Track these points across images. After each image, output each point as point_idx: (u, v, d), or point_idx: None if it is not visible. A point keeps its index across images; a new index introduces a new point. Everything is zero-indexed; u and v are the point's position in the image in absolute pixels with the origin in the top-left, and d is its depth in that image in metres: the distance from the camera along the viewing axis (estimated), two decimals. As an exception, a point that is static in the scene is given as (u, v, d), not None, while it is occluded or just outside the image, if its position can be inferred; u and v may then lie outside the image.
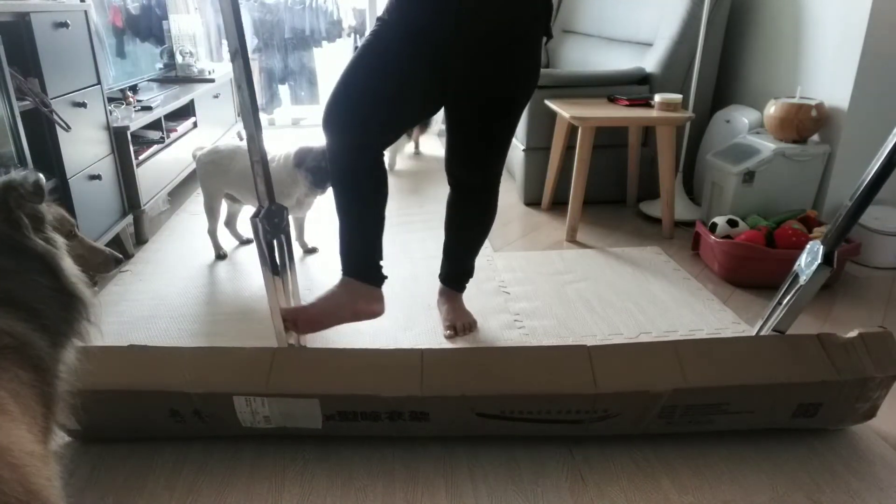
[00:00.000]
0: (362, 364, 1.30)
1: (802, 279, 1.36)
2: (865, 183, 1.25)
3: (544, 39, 1.51)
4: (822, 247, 1.34)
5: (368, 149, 1.50)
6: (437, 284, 1.92)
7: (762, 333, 1.45)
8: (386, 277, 1.63)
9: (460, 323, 1.83)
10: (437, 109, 1.60)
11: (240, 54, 1.21)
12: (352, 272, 1.58)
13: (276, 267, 1.40)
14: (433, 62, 1.45)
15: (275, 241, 1.40)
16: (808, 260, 1.37)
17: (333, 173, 1.55)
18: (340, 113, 1.47)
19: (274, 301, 1.42)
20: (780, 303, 1.43)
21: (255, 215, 1.36)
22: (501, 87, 1.48)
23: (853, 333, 1.31)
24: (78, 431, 1.35)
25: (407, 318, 1.91)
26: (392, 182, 3.37)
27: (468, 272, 1.86)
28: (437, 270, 1.90)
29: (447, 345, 1.77)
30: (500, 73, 1.46)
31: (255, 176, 1.34)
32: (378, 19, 1.51)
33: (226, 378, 1.26)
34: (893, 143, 1.20)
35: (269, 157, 2.15)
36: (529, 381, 1.26)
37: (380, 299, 1.62)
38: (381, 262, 1.61)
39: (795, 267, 1.41)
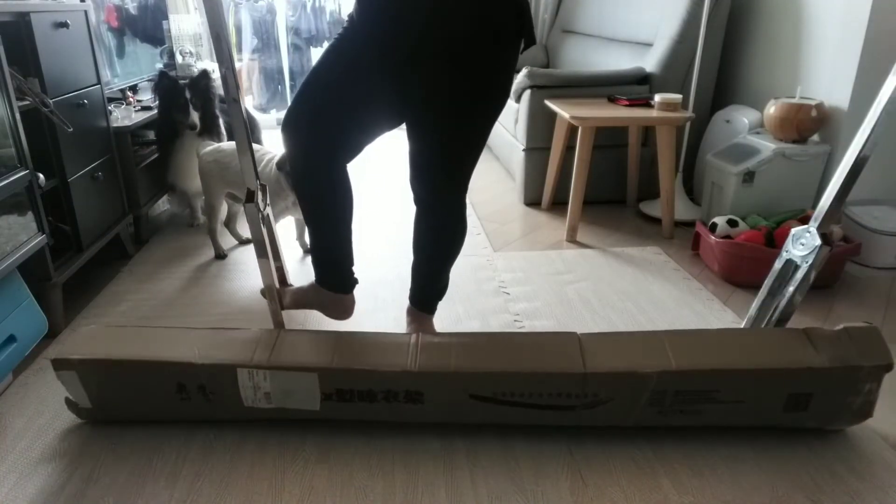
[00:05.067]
0: (360, 344, 1.38)
1: (802, 264, 1.38)
2: (855, 157, 1.29)
3: (522, 45, 1.39)
4: (815, 229, 1.37)
5: (326, 162, 1.44)
6: None
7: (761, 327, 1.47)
8: (356, 282, 1.65)
9: None
10: (399, 123, 1.50)
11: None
12: (320, 282, 1.62)
13: (276, 250, 1.54)
14: (396, 69, 1.35)
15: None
16: (803, 245, 1.38)
17: (293, 180, 1.51)
18: (301, 125, 1.41)
19: (270, 280, 1.54)
20: (770, 294, 1.44)
21: (249, 200, 1.44)
22: (467, 99, 1.37)
23: (838, 327, 1.34)
24: (88, 410, 1.39)
25: (407, 318, 1.91)
26: (391, 176, 3.37)
27: (436, 294, 1.74)
28: None
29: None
30: (466, 82, 1.35)
31: (242, 159, 1.43)
32: (348, 16, 1.42)
33: (231, 353, 1.33)
34: (880, 110, 1.23)
35: (265, 158, 2.16)
36: (520, 361, 1.32)
37: (347, 307, 1.66)
38: (352, 268, 1.63)
39: (785, 256, 1.42)
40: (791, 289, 1.40)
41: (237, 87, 1.36)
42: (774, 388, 1.30)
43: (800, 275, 1.39)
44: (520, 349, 1.35)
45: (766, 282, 1.47)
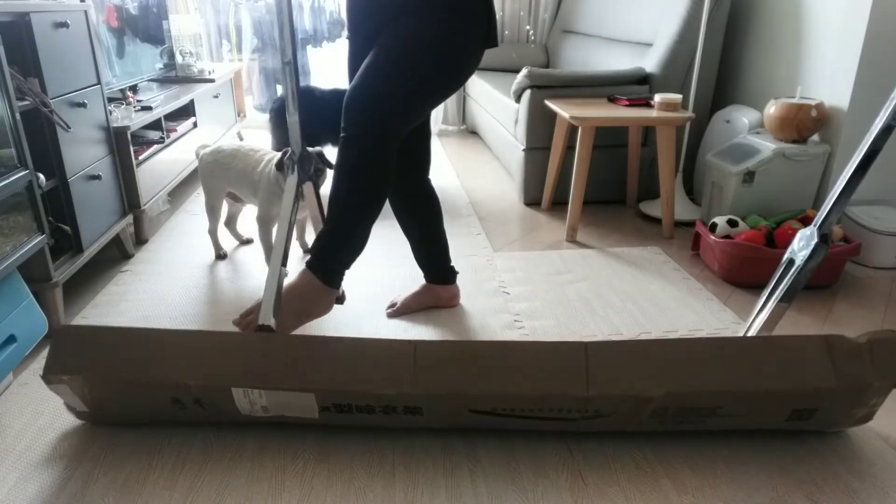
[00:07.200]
0: (357, 357, 1.30)
1: (799, 261, 1.39)
2: (859, 158, 1.30)
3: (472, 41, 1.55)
4: (816, 229, 1.38)
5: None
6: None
7: (752, 331, 1.46)
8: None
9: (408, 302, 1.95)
10: None
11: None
12: (328, 276, 1.57)
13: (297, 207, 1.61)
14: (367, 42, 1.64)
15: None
16: (803, 243, 1.40)
17: (363, 171, 1.51)
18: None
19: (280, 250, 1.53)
20: (772, 293, 1.45)
21: (289, 157, 1.53)
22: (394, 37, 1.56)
23: (863, 339, 1.27)
24: (87, 413, 1.38)
25: (408, 320, 1.91)
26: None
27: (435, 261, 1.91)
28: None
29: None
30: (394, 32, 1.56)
31: (290, 123, 1.55)
32: None
33: (224, 369, 1.28)
34: (887, 115, 1.23)
35: (265, 159, 2.16)
36: (523, 380, 1.25)
37: (332, 303, 1.61)
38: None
39: (788, 254, 1.44)
40: (786, 285, 1.41)
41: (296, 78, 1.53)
42: (779, 404, 1.27)
43: (794, 271, 1.40)
44: (522, 365, 1.27)
45: (770, 282, 1.47)
